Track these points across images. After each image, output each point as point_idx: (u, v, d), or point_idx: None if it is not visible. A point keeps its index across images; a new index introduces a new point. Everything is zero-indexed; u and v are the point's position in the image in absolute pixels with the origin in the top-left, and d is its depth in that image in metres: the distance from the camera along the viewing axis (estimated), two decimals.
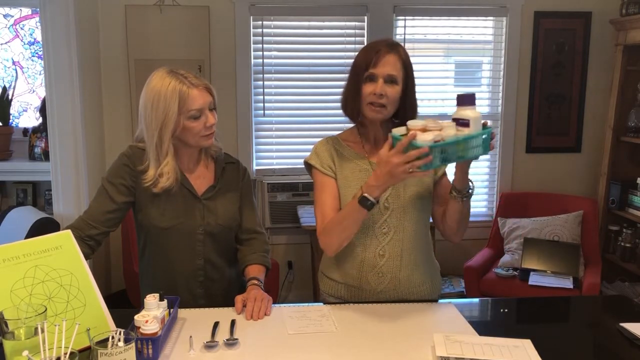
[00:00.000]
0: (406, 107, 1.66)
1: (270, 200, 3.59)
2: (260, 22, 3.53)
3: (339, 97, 1.73)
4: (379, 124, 1.70)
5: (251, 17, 3.51)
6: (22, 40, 3.63)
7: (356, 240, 1.70)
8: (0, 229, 3.03)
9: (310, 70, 3.62)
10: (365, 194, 1.51)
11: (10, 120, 3.53)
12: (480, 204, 3.90)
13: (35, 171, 3.40)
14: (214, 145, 1.77)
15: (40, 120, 3.51)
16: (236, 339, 1.43)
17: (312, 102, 3.66)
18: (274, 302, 1.67)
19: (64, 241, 1.43)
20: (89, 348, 1.23)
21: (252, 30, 3.53)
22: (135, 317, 1.36)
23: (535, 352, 1.33)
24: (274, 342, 1.43)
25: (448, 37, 3.70)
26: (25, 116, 3.71)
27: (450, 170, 1.75)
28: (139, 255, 1.84)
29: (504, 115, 3.74)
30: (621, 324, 1.52)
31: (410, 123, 1.48)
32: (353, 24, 3.59)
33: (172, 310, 1.49)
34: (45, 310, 1.24)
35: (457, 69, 3.84)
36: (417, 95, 1.70)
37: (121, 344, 1.16)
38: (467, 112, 1.46)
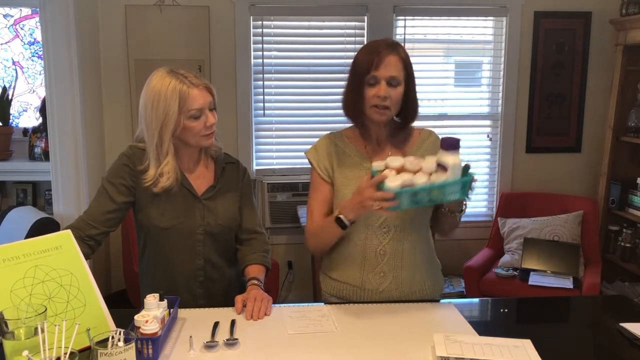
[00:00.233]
0: (408, 107, 1.67)
1: (270, 200, 3.59)
2: (260, 22, 3.53)
3: (339, 97, 1.73)
4: (382, 125, 1.70)
5: (251, 17, 3.51)
6: (22, 40, 3.63)
7: (357, 239, 1.70)
8: (0, 229, 3.03)
9: (310, 70, 3.62)
10: (341, 216, 1.57)
11: (10, 120, 3.53)
12: (480, 204, 3.90)
13: (35, 171, 3.40)
14: (214, 145, 1.77)
15: (40, 120, 3.51)
16: (236, 339, 1.43)
17: (312, 102, 3.66)
18: (274, 302, 1.67)
19: (64, 241, 1.43)
20: (89, 348, 1.23)
21: (252, 30, 3.53)
22: (135, 317, 1.36)
23: (535, 352, 1.33)
24: (274, 342, 1.43)
25: (448, 37, 3.70)
26: (25, 116, 3.71)
27: None
28: (139, 255, 1.84)
29: (504, 115, 3.74)
30: (621, 324, 1.52)
31: (389, 160, 1.52)
32: (353, 24, 3.59)
33: (172, 310, 1.49)
34: (45, 310, 1.24)
35: (457, 69, 3.84)
36: (417, 95, 1.71)
37: (121, 344, 1.16)
38: (447, 158, 1.47)
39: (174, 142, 1.68)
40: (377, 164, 1.54)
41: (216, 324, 1.50)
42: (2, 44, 3.61)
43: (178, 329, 1.50)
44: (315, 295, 3.43)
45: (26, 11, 3.61)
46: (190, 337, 1.41)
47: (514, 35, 3.66)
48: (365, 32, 3.58)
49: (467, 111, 3.80)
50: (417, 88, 1.69)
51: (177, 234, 1.72)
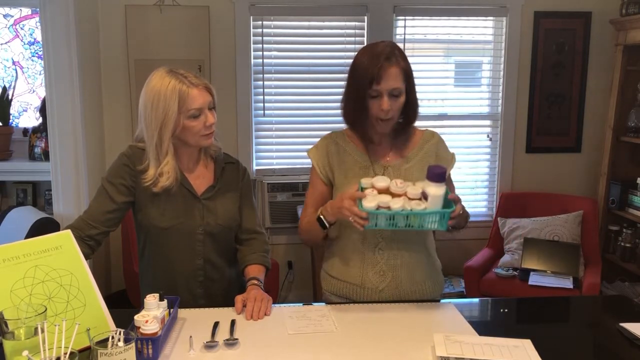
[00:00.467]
0: (409, 109, 1.68)
1: (270, 200, 3.59)
2: (260, 22, 3.53)
3: (338, 97, 1.74)
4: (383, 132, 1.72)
5: (251, 17, 3.51)
6: (22, 40, 3.63)
7: (357, 238, 1.71)
8: (0, 229, 3.03)
9: (310, 70, 3.62)
10: (321, 216, 1.63)
11: (10, 120, 3.53)
12: (480, 204, 3.90)
13: (35, 171, 3.40)
14: (214, 145, 1.77)
15: (40, 120, 3.51)
16: (236, 339, 1.43)
17: (312, 102, 3.66)
18: (274, 302, 1.67)
19: (64, 241, 1.43)
20: (89, 348, 1.23)
21: (252, 30, 3.53)
22: (135, 317, 1.36)
23: (535, 352, 1.33)
24: (274, 342, 1.44)
25: (448, 37, 3.70)
26: (25, 116, 3.71)
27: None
28: (138, 255, 1.84)
29: (504, 115, 3.74)
30: (621, 324, 1.52)
31: (375, 180, 1.57)
32: (353, 24, 3.59)
33: (172, 310, 1.49)
34: (45, 310, 1.24)
35: (457, 69, 3.84)
36: (418, 96, 1.71)
37: (121, 344, 1.17)
38: (429, 188, 1.50)
39: (174, 142, 1.68)
40: (365, 181, 1.58)
41: (216, 324, 1.50)
42: (2, 44, 3.61)
43: (178, 329, 1.50)
44: (315, 295, 3.42)
45: (26, 11, 3.61)
46: (190, 337, 1.41)
47: (514, 35, 3.66)
48: (365, 32, 3.58)
49: (467, 111, 3.80)
50: (417, 88, 1.70)
51: (176, 234, 1.72)
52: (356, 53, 1.68)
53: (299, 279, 3.77)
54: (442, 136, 1.82)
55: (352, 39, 3.60)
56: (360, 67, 1.62)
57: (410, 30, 3.64)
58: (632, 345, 1.45)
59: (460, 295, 3.42)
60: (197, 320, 1.55)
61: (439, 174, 1.49)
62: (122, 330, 1.19)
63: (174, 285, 1.74)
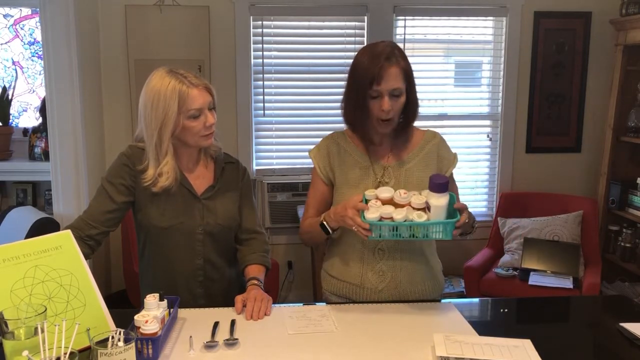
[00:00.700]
0: (409, 109, 1.68)
1: (270, 200, 3.59)
2: (260, 22, 3.53)
3: (338, 97, 1.73)
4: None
5: (251, 17, 3.51)
6: (22, 40, 3.63)
7: (356, 239, 1.71)
8: (0, 229, 3.03)
9: (310, 70, 3.62)
10: (324, 222, 1.64)
11: (10, 120, 3.53)
12: (480, 204, 3.90)
13: (35, 171, 3.40)
14: (214, 145, 1.77)
15: (40, 120, 3.51)
16: (236, 339, 1.43)
17: (312, 102, 3.66)
18: (274, 302, 1.67)
19: (64, 241, 1.43)
20: (89, 348, 1.23)
21: (252, 30, 3.53)
22: (135, 317, 1.36)
23: (535, 352, 1.33)
24: (274, 342, 1.44)
25: (448, 37, 3.70)
26: (25, 116, 3.71)
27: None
28: (138, 255, 1.84)
29: (504, 115, 3.74)
30: (621, 324, 1.52)
31: (379, 190, 1.58)
32: (353, 24, 3.59)
33: (172, 310, 1.49)
34: (45, 310, 1.24)
35: (457, 69, 3.84)
36: (418, 96, 1.71)
37: (121, 344, 1.17)
38: (432, 199, 1.50)
39: (174, 142, 1.68)
40: (369, 192, 1.59)
41: (216, 324, 1.50)
42: (2, 44, 3.61)
43: (178, 329, 1.50)
44: (315, 295, 3.43)
45: (26, 11, 3.61)
46: (190, 337, 1.41)
47: (514, 35, 3.66)
48: (365, 32, 3.58)
49: (467, 111, 3.80)
50: (417, 88, 1.70)
51: (176, 234, 1.72)
52: (356, 53, 1.68)
53: (299, 279, 3.77)
54: (443, 136, 1.82)
55: (352, 39, 3.60)
56: (360, 68, 1.62)
57: (410, 30, 3.64)
58: (632, 345, 1.45)
59: (460, 295, 3.42)
60: (197, 320, 1.55)
61: (440, 185, 1.49)
62: (122, 330, 1.19)
63: (174, 285, 1.74)
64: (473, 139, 3.83)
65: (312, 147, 1.83)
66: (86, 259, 1.50)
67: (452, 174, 1.78)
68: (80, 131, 3.08)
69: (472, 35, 3.72)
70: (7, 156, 3.48)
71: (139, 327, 1.34)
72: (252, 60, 3.55)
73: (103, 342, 1.18)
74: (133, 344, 1.18)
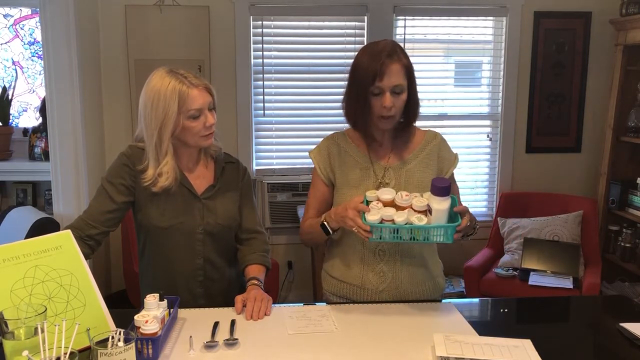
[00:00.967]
0: (410, 108, 1.67)
1: (270, 200, 3.59)
2: (260, 22, 3.53)
3: (339, 97, 1.73)
4: (385, 130, 1.71)
5: (251, 17, 3.51)
6: (22, 40, 3.63)
7: (356, 239, 1.71)
8: (0, 229, 3.03)
9: (310, 70, 3.62)
10: (325, 222, 1.63)
11: (10, 120, 3.53)
12: (480, 204, 3.90)
13: (35, 171, 3.40)
14: (214, 146, 1.77)
15: (40, 120, 3.51)
16: (236, 339, 1.43)
17: (312, 102, 3.66)
18: (274, 302, 1.67)
19: (64, 241, 1.43)
20: (89, 348, 1.23)
21: (252, 30, 3.53)
22: (135, 317, 1.36)
23: (535, 352, 1.33)
24: (274, 342, 1.43)
25: (448, 37, 3.70)
26: (25, 116, 3.71)
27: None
28: (139, 255, 1.84)
29: (504, 115, 3.74)
30: (621, 324, 1.52)
31: (380, 192, 1.57)
32: (353, 24, 3.59)
33: (172, 310, 1.49)
34: (45, 310, 1.24)
35: (457, 69, 3.84)
36: (419, 96, 1.71)
37: (121, 344, 1.17)
38: (434, 203, 1.50)
39: (173, 142, 1.68)
40: (370, 194, 1.58)
41: (216, 324, 1.50)
42: (2, 44, 3.61)
43: (178, 329, 1.50)
44: (315, 295, 3.43)
45: (26, 11, 3.61)
46: (190, 337, 1.41)
47: (514, 35, 3.66)
48: (365, 32, 3.58)
49: (467, 111, 3.80)
50: (418, 88, 1.70)
51: (176, 234, 1.72)
52: (357, 53, 1.68)
53: (299, 279, 3.77)
54: (443, 136, 1.81)
55: (352, 39, 3.60)
56: (361, 65, 1.62)
57: (410, 30, 3.64)
58: (632, 345, 1.45)
59: (460, 295, 3.42)
60: (197, 320, 1.55)
61: (442, 188, 1.48)
62: (122, 330, 1.19)
63: (174, 285, 1.74)
64: (473, 139, 3.83)
65: (312, 147, 1.83)
66: (86, 259, 1.50)
67: (453, 174, 1.77)
68: (80, 131, 3.08)
69: (472, 35, 3.72)
70: (7, 156, 3.48)
71: (139, 327, 1.34)
72: (252, 60, 3.55)
73: (103, 342, 1.18)
74: (133, 344, 1.18)
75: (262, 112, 3.63)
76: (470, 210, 1.63)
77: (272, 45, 3.57)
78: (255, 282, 1.70)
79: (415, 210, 1.52)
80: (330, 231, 1.63)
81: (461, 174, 3.74)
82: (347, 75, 1.69)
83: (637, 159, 3.60)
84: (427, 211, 1.51)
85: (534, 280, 3.14)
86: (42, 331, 1.14)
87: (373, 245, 1.70)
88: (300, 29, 3.59)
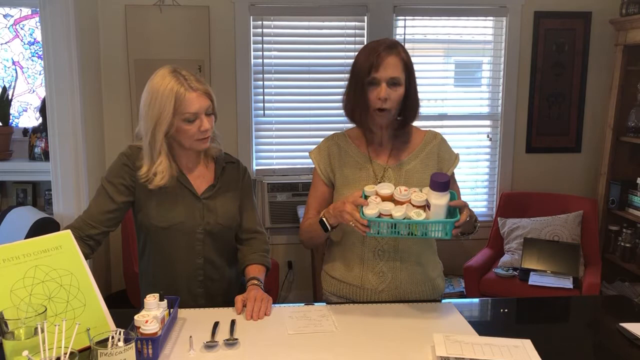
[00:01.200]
0: (408, 106, 1.67)
1: (270, 200, 3.59)
2: (260, 22, 3.53)
3: (339, 97, 1.73)
4: (385, 127, 1.71)
5: (251, 17, 3.51)
6: (22, 40, 3.63)
7: (356, 239, 1.71)
8: (0, 229, 3.02)
9: (310, 70, 3.62)
10: (324, 219, 1.62)
11: (10, 120, 3.53)
12: (480, 204, 3.90)
13: (35, 171, 3.40)
14: (214, 148, 1.77)
15: (40, 120, 3.51)
16: (236, 339, 1.43)
17: (312, 102, 3.66)
18: (274, 302, 1.67)
19: (64, 241, 1.43)
20: (89, 348, 1.23)
21: (252, 30, 3.53)
22: (135, 317, 1.36)
23: (535, 352, 1.33)
24: (274, 342, 1.43)
25: (448, 37, 3.70)
26: (25, 116, 3.71)
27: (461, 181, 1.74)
28: (139, 255, 1.84)
29: (504, 115, 3.74)
30: (621, 324, 1.52)
31: (379, 186, 1.56)
32: (353, 24, 3.59)
33: (172, 310, 1.49)
34: (45, 310, 1.24)
35: (457, 69, 3.84)
36: (418, 95, 1.70)
37: (121, 344, 1.17)
38: (432, 198, 1.49)
39: (171, 142, 1.68)
40: (368, 188, 1.57)
41: (216, 324, 1.50)
42: (2, 44, 3.61)
43: (178, 329, 1.50)
44: (315, 295, 3.43)
45: (26, 11, 3.61)
46: (190, 337, 1.41)
47: (514, 35, 3.66)
48: (365, 32, 3.58)
49: (467, 111, 3.80)
50: (418, 88, 1.69)
51: (176, 234, 1.72)
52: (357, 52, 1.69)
53: (299, 279, 3.77)
54: (444, 136, 1.81)
55: (352, 39, 3.60)
56: (360, 58, 1.63)
57: (410, 30, 3.64)
58: (632, 345, 1.45)
59: (460, 295, 3.42)
60: (197, 320, 1.55)
61: (441, 184, 1.47)
62: (122, 330, 1.19)
63: (174, 285, 1.74)
64: (473, 139, 3.83)
65: (312, 147, 1.83)
66: (86, 259, 1.50)
67: (453, 174, 1.77)
68: (80, 131, 3.08)
69: (472, 35, 3.72)
70: (7, 156, 3.48)
71: (139, 327, 1.34)
72: (252, 60, 3.55)
73: (103, 342, 1.18)
74: (133, 344, 1.18)
75: (262, 112, 3.63)
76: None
77: (272, 45, 3.57)
78: (255, 282, 1.70)
79: (414, 205, 1.51)
80: (329, 227, 1.62)
81: (461, 174, 3.74)
82: (347, 76, 1.69)
83: (637, 159, 3.60)
84: (426, 206, 1.50)
85: (534, 280, 3.14)
86: (42, 331, 1.14)
87: (372, 245, 1.70)
88: (300, 29, 3.59)
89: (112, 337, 1.18)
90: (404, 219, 1.48)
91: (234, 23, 3.49)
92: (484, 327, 1.55)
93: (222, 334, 1.47)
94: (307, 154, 1.84)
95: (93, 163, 3.28)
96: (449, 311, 1.64)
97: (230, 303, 1.65)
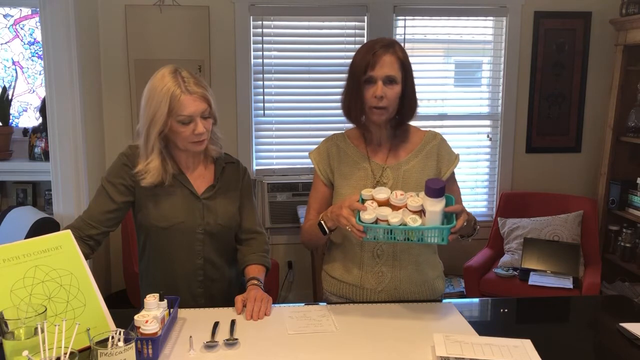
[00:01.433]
0: (405, 105, 1.66)
1: (270, 200, 3.59)
2: (260, 22, 3.53)
3: (339, 97, 1.73)
4: (383, 126, 1.70)
5: (251, 17, 3.51)
6: (22, 40, 3.63)
7: (355, 240, 1.71)
8: (0, 229, 3.02)
9: (310, 70, 3.62)
10: (322, 221, 1.62)
11: (10, 120, 3.53)
12: (480, 204, 3.90)
13: (35, 171, 3.40)
14: (214, 149, 1.77)
15: (40, 120, 3.51)
16: (236, 339, 1.43)
17: (312, 102, 3.66)
18: (274, 302, 1.67)
19: (64, 241, 1.43)
20: (89, 348, 1.23)
21: (252, 30, 3.53)
22: (135, 317, 1.36)
23: (535, 352, 1.33)
24: (274, 342, 1.43)
25: (448, 37, 3.70)
26: (25, 116, 3.71)
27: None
28: (139, 255, 1.84)
29: (504, 115, 3.74)
30: (621, 324, 1.52)
31: (375, 191, 1.56)
32: (353, 24, 3.59)
33: (172, 310, 1.49)
34: (45, 310, 1.24)
35: (457, 69, 3.84)
36: (418, 96, 1.71)
37: (121, 344, 1.17)
38: (427, 205, 1.48)
39: (169, 142, 1.68)
40: (365, 192, 1.57)
41: (216, 324, 1.50)
42: (2, 44, 3.61)
43: (178, 329, 1.50)
44: (315, 295, 3.43)
45: (26, 11, 3.61)
46: (190, 337, 1.41)
47: (514, 35, 3.66)
48: (365, 32, 3.58)
49: (467, 111, 3.80)
50: (417, 88, 1.70)
51: (176, 234, 1.72)
52: None
53: (299, 279, 3.77)
54: (444, 136, 1.81)
55: (352, 39, 3.60)
56: (357, 57, 1.64)
57: (410, 30, 3.64)
58: (632, 345, 1.45)
59: (460, 295, 3.42)
60: (197, 320, 1.55)
61: (436, 190, 1.46)
62: (122, 330, 1.19)
63: (174, 285, 1.74)
64: (473, 139, 3.83)
65: (312, 147, 1.83)
66: (86, 259, 1.50)
67: (453, 174, 1.77)
68: (80, 131, 3.08)
69: (472, 35, 3.72)
70: (7, 156, 3.48)
71: (139, 327, 1.34)
72: (252, 60, 3.55)
73: (103, 342, 1.18)
74: (133, 344, 1.18)
75: (262, 112, 3.63)
76: (470, 210, 1.63)
77: (272, 45, 3.58)
78: (255, 282, 1.70)
79: (410, 211, 1.51)
80: (327, 230, 1.62)
81: (461, 174, 3.74)
82: (346, 76, 1.69)
83: (637, 159, 3.60)
84: (422, 211, 1.50)
85: (534, 280, 3.14)
86: (42, 331, 1.14)
87: (371, 248, 1.70)
88: (300, 29, 3.59)
89: (112, 337, 1.18)
90: (400, 224, 1.48)
91: (234, 23, 3.49)
92: (484, 327, 1.55)
93: (222, 334, 1.47)
94: (307, 153, 1.84)
95: (93, 163, 3.28)
96: (449, 311, 1.64)
97: (230, 303, 1.65)
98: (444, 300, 1.73)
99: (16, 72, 3.64)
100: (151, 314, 1.37)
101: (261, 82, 3.60)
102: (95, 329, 1.32)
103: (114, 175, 1.72)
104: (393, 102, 1.63)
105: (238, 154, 3.49)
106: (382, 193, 1.55)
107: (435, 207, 1.47)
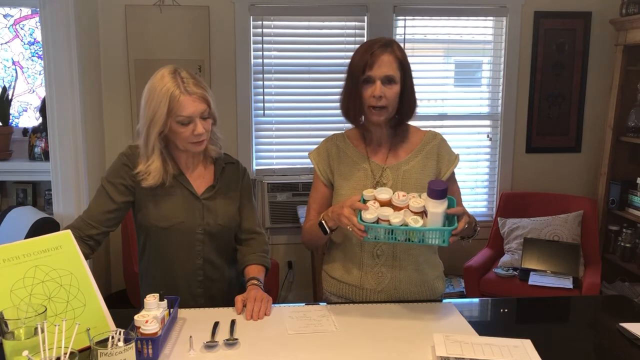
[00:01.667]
0: (404, 104, 1.66)
1: (270, 200, 3.59)
2: (260, 22, 3.53)
3: (339, 97, 1.73)
4: (382, 126, 1.70)
5: (251, 17, 3.51)
6: (22, 40, 3.63)
7: (355, 240, 1.71)
8: (0, 229, 3.02)
9: (310, 70, 3.62)
10: (323, 221, 1.62)
11: (10, 120, 3.53)
12: (480, 204, 3.90)
13: (35, 171, 3.40)
14: (214, 150, 1.77)
15: (40, 120, 3.51)
16: (236, 339, 1.43)
17: (312, 102, 3.66)
18: (274, 302, 1.67)
19: (64, 241, 1.43)
20: (89, 348, 1.23)
21: (252, 30, 3.53)
22: (135, 317, 1.36)
23: (535, 352, 1.33)
24: (274, 342, 1.43)
25: (448, 37, 3.70)
26: (25, 116, 3.71)
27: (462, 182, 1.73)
28: (139, 255, 1.84)
29: (504, 115, 3.74)
30: (621, 324, 1.52)
31: (377, 191, 1.56)
32: (353, 24, 3.59)
33: (172, 310, 1.49)
34: (45, 310, 1.24)
35: (457, 69, 3.84)
36: (417, 96, 1.71)
37: (121, 344, 1.17)
38: (429, 206, 1.49)
39: (169, 142, 1.68)
40: (367, 192, 1.57)
41: (216, 324, 1.50)
42: (2, 44, 3.61)
43: (178, 329, 1.50)
44: (315, 295, 3.43)
45: (26, 11, 3.61)
46: (190, 337, 1.41)
47: (514, 35, 3.66)
48: (365, 32, 3.58)
49: (467, 111, 3.80)
50: (417, 88, 1.70)
51: (176, 234, 1.72)
52: None
53: (299, 279, 3.77)
54: (444, 137, 1.81)
55: (352, 39, 3.60)
56: (355, 57, 1.64)
57: (410, 30, 3.64)
58: (632, 345, 1.45)
59: (460, 295, 3.42)
60: (197, 320, 1.55)
61: (438, 191, 1.46)
62: (122, 330, 1.19)
63: (174, 285, 1.74)
64: (473, 139, 3.83)
65: (312, 147, 1.83)
66: (86, 259, 1.50)
67: (453, 174, 1.77)
68: (80, 131, 3.08)
69: (472, 35, 3.72)
70: (7, 156, 3.48)
71: (139, 327, 1.34)
72: (252, 60, 3.55)
73: (103, 342, 1.18)
74: (133, 344, 1.18)
75: (262, 112, 3.63)
76: (470, 210, 1.63)
77: (272, 45, 3.58)
78: (255, 282, 1.70)
79: (412, 211, 1.51)
80: (328, 230, 1.62)
81: (461, 174, 3.74)
82: (345, 76, 1.69)
83: (637, 159, 3.60)
84: (424, 212, 1.50)
85: (534, 280, 3.15)
86: (42, 331, 1.14)
87: (370, 248, 1.70)
88: (300, 29, 3.59)
89: (112, 337, 1.18)
90: (401, 225, 1.48)
91: (234, 23, 3.49)
92: (484, 327, 1.55)
93: (222, 334, 1.47)
94: (306, 154, 1.84)
95: (93, 163, 3.28)
96: (449, 311, 1.64)
97: (230, 303, 1.65)
98: (444, 300, 1.73)
99: (16, 72, 3.64)
100: (151, 314, 1.37)
101: (261, 82, 3.60)
102: (95, 329, 1.32)
103: (114, 175, 1.72)
104: (392, 101, 1.63)
105: (238, 154, 3.50)
106: (384, 193, 1.55)
107: (437, 208, 1.47)
